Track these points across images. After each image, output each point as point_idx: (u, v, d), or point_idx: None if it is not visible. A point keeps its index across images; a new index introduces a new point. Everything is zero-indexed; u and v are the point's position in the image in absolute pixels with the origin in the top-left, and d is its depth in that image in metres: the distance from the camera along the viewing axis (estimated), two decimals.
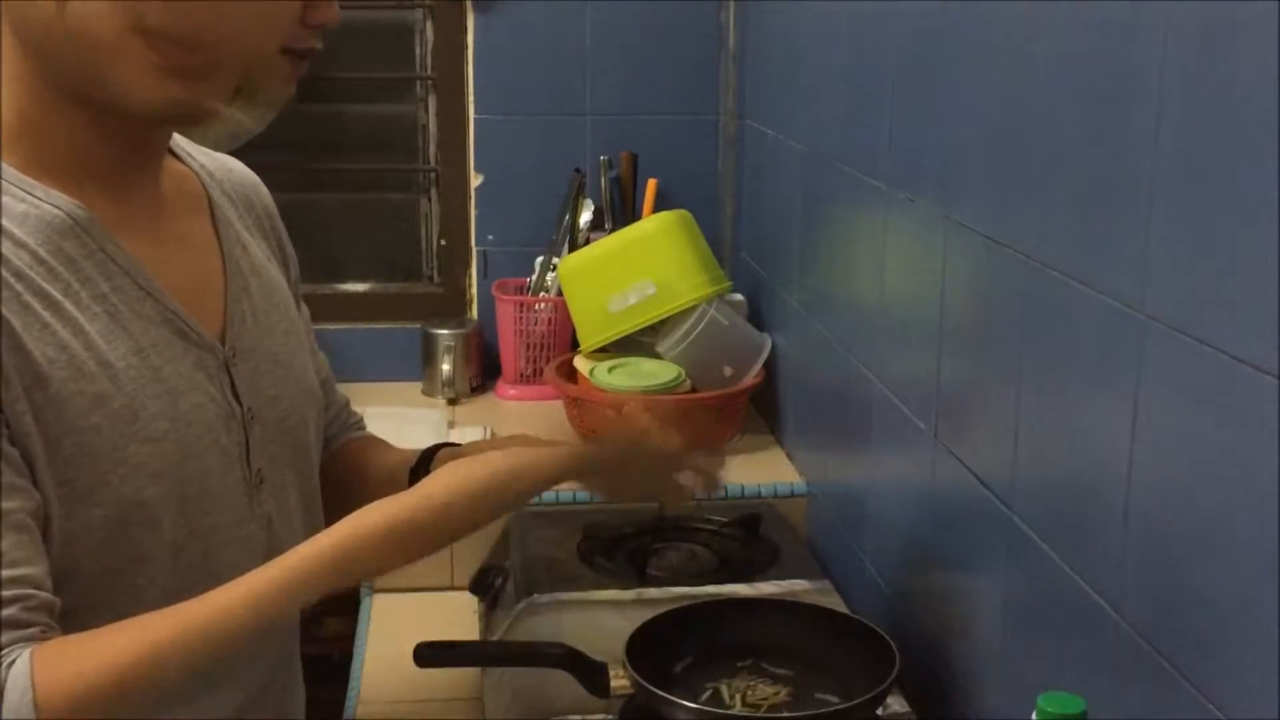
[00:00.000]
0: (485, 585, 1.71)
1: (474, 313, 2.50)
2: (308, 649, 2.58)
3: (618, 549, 1.74)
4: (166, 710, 0.90)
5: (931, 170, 1.41)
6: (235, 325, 1.05)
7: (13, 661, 0.83)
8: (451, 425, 2.23)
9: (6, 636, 0.84)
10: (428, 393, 2.40)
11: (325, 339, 2.46)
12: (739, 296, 2.28)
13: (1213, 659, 0.89)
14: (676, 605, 1.45)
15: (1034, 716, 0.98)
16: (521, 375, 2.37)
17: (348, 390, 2.41)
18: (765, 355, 2.15)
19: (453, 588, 1.81)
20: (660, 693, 1.28)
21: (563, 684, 1.39)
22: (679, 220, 2.22)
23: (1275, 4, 0.80)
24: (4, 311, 0.87)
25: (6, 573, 0.85)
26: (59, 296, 0.91)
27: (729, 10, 2.37)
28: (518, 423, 2.25)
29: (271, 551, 1.00)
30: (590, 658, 1.34)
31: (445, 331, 2.37)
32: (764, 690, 1.35)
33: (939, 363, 1.39)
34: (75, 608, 0.91)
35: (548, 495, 1.91)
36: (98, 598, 0.92)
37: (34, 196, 0.93)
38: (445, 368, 2.35)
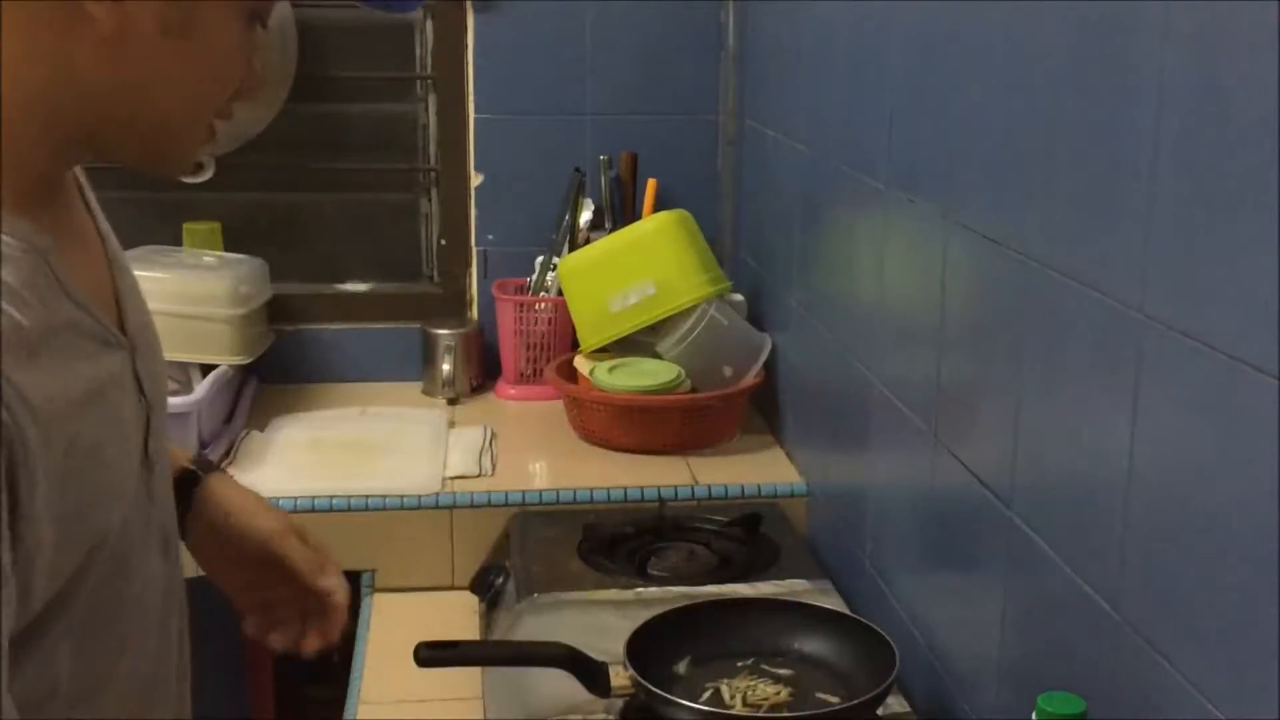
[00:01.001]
0: (485, 585, 1.72)
1: (474, 313, 2.50)
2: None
3: (618, 549, 1.74)
4: None
5: (931, 170, 1.41)
6: (128, 316, 0.98)
7: None
8: (451, 425, 2.23)
9: None
10: (428, 393, 2.40)
11: (325, 339, 2.48)
12: (739, 296, 2.28)
13: (1213, 659, 0.89)
14: (676, 605, 1.45)
15: (1034, 716, 0.98)
16: (521, 375, 2.37)
17: (348, 390, 2.44)
18: (765, 355, 2.15)
19: (453, 588, 1.82)
20: (660, 692, 1.28)
21: (563, 684, 1.39)
22: (679, 220, 2.22)
23: (1275, 4, 0.80)
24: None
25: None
26: (36, 339, 0.81)
27: (729, 10, 2.37)
28: (518, 422, 2.26)
29: (166, 533, 1.00)
30: (591, 657, 1.34)
31: (445, 331, 2.37)
32: (764, 690, 1.35)
33: (939, 363, 1.39)
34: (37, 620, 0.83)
35: (548, 495, 1.93)
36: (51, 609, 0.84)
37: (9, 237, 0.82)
38: (445, 368, 2.35)
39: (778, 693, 1.35)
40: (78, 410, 0.83)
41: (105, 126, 0.87)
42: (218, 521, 1.14)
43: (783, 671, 1.39)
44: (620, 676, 1.33)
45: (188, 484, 1.13)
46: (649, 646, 1.35)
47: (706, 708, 1.30)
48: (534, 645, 1.41)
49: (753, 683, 1.37)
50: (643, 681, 1.29)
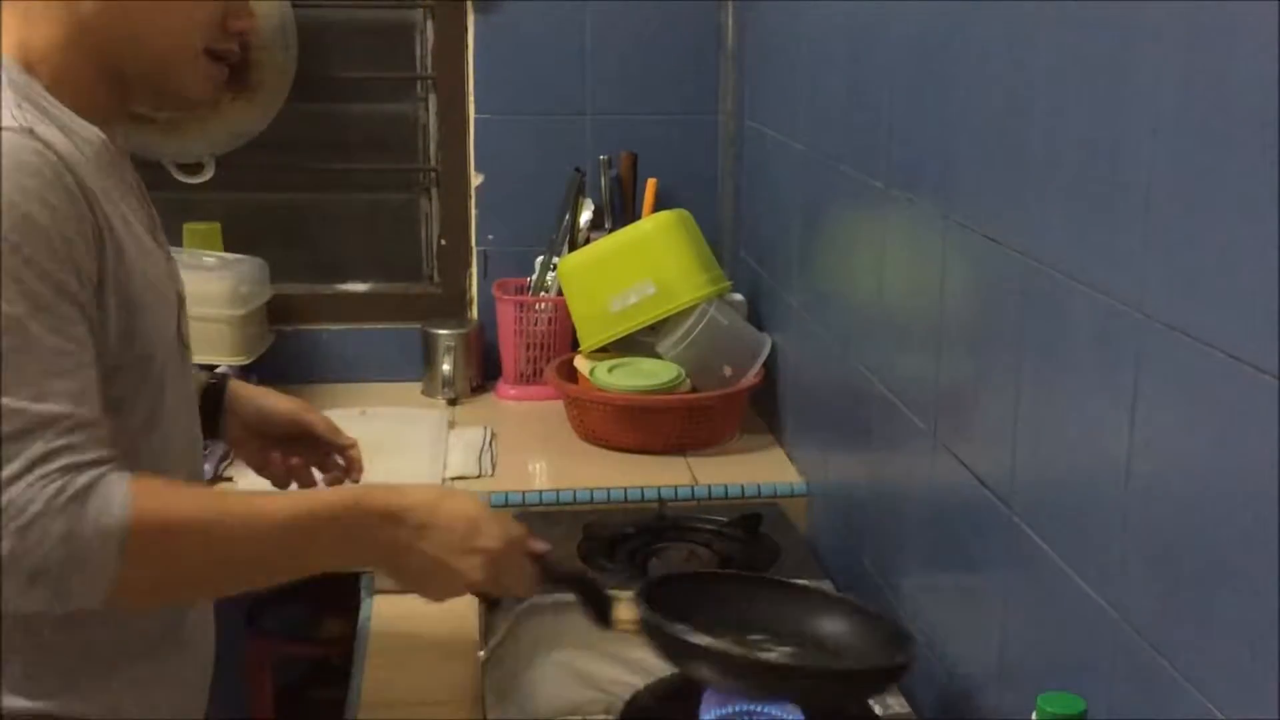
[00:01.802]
0: (492, 600, 1.71)
1: (474, 313, 2.50)
2: (308, 649, 2.59)
3: (618, 549, 1.74)
4: (210, 579, 1.11)
5: (931, 170, 1.41)
6: (158, 232, 1.25)
7: (101, 474, 0.99)
8: (452, 425, 2.23)
9: (97, 454, 1.00)
10: (428, 393, 2.40)
11: (325, 339, 2.48)
12: (739, 296, 2.28)
13: (1213, 659, 0.89)
14: (694, 570, 1.41)
15: (1034, 716, 0.98)
16: (521, 375, 2.37)
17: (348, 390, 2.44)
18: (765, 355, 2.15)
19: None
20: (670, 625, 1.24)
21: (563, 684, 1.39)
22: (679, 220, 2.22)
23: (1275, 4, 0.80)
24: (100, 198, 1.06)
25: (83, 411, 1.01)
26: (113, 193, 1.11)
27: (729, 10, 2.37)
28: (518, 423, 2.26)
29: (191, 406, 1.29)
30: (599, 587, 1.31)
31: (445, 331, 2.37)
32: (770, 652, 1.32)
33: (939, 363, 1.39)
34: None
35: (548, 495, 1.93)
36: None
37: (75, 122, 1.10)
38: (445, 368, 2.35)
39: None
40: (130, 237, 1.10)
41: (124, 69, 1.13)
42: (248, 414, 1.44)
43: (791, 649, 1.36)
44: (625, 611, 1.29)
45: (217, 392, 1.42)
46: (662, 598, 1.30)
47: (709, 640, 1.23)
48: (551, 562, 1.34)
49: (764, 647, 1.33)
50: (654, 616, 1.25)
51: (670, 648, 1.26)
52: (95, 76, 1.13)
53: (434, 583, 1.19)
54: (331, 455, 1.47)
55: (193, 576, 1.08)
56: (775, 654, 1.33)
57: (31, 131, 1.01)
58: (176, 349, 1.20)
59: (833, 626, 1.39)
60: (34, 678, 1.11)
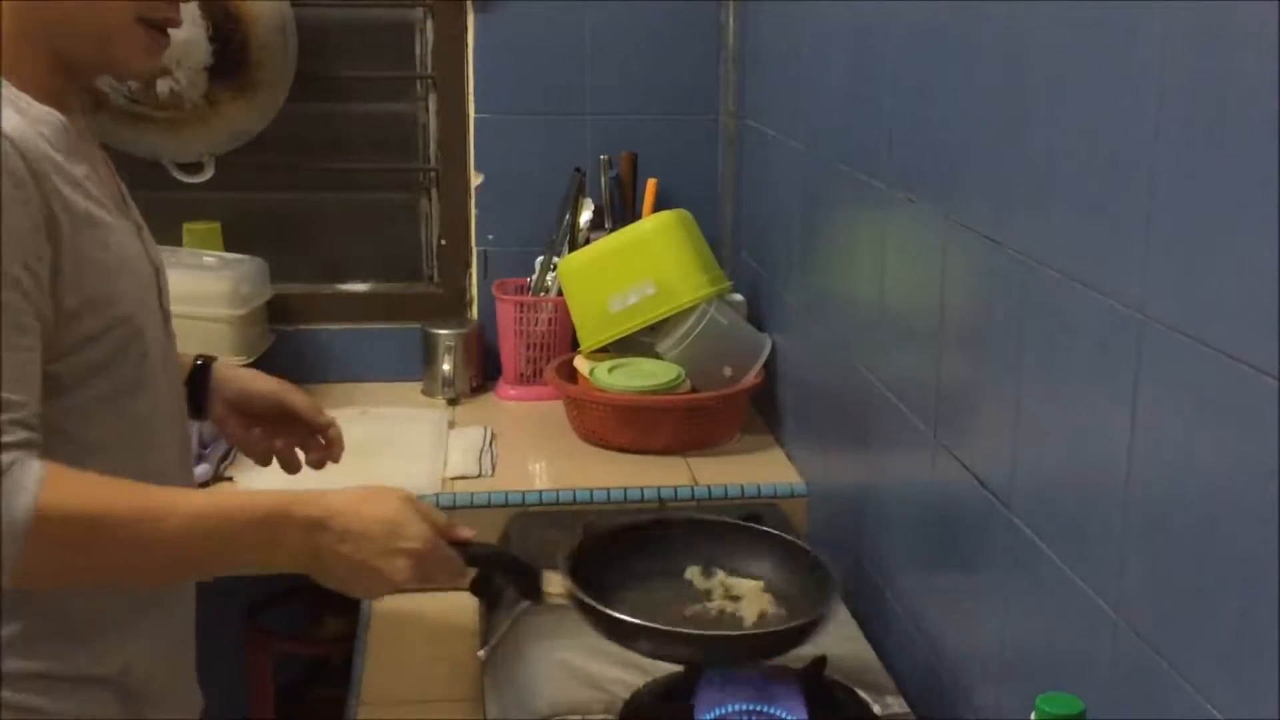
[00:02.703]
0: (485, 586, 1.71)
1: (474, 313, 2.50)
2: (308, 649, 2.59)
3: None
4: (118, 571, 1.12)
5: (931, 170, 1.41)
6: (131, 205, 1.29)
7: (16, 459, 1.01)
8: (452, 425, 2.23)
9: (20, 435, 1.03)
10: (428, 393, 2.40)
11: (325, 339, 2.48)
12: (739, 296, 2.28)
13: (1212, 659, 0.89)
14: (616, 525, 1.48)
15: (1034, 716, 0.98)
16: (521, 375, 2.37)
17: (348, 390, 2.44)
18: (765, 355, 2.15)
19: (453, 588, 1.81)
20: (591, 601, 1.30)
21: (563, 684, 1.39)
22: (679, 220, 2.22)
23: (1275, 4, 0.80)
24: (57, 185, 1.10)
25: (14, 395, 1.04)
26: (71, 170, 1.14)
27: (729, 10, 2.37)
28: (518, 423, 2.26)
29: (178, 376, 1.35)
30: (521, 559, 1.36)
31: (445, 331, 2.37)
32: (745, 584, 1.39)
33: (939, 363, 1.39)
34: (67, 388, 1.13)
35: (548, 495, 1.93)
36: (88, 391, 1.15)
37: (32, 106, 1.13)
38: (445, 368, 2.35)
39: (760, 587, 1.41)
40: (94, 209, 1.14)
41: (65, 49, 1.17)
42: (231, 393, 1.46)
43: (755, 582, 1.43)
44: (554, 584, 1.33)
45: (203, 373, 1.44)
46: (592, 562, 1.37)
47: (630, 616, 1.29)
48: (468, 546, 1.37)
49: (730, 578, 1.42)
50: (580, 594, 1.30)
51: (598, 623, 1.31)
52: (42, 60, 1.16)
53: (359, 585, 1.21)
54: (314, 435, 1.50)
55: (99, 569, 1.09)
56: (693, 616, 1.39)
57: None
58: (159, 316, 1.25)
59: (760, 565, 1.45)
60: (32, 640, 1.14)
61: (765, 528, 1.50)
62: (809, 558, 1.42)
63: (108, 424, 1.17)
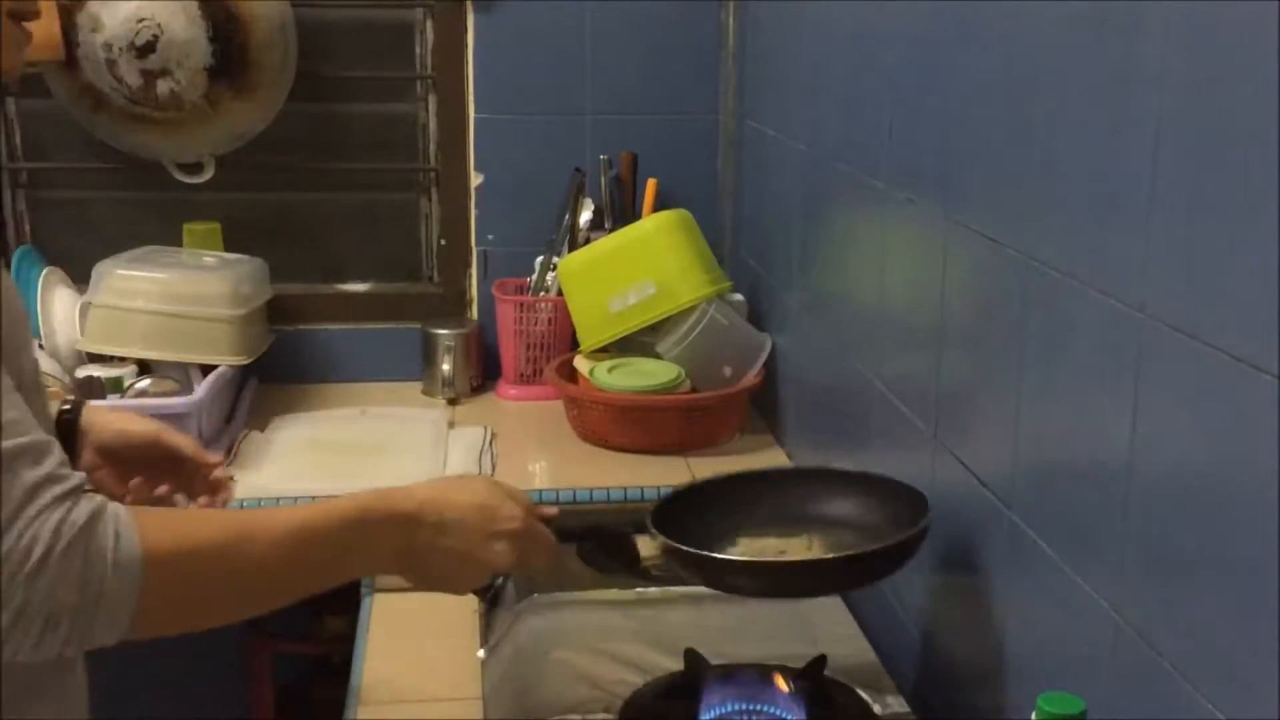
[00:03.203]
0: (485, 585, 1.71)
1: (474, 313, 2.50)
2: (308, 649, 2.58)
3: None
4: (228, 602, 1.05)
5: (931, 170, 1.41)
6: None
7: (96, 505, 0.93)
8: (452, 425, 2.23)
9: (80, 478, 0.94)
10: (428, 393, 2.40)
11: (325, 339, 2.48)
12: (739, 296, 2.28)
13: (1213, 659, 0.89)
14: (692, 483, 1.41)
15: (1034, 716, 0.98)
16: (521, 375, 2.37)
17: (348, 390, 2.44)
18: (765, 355, 2.15)
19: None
20: (693, 550, 1.24)
21: (563, 684, 1.39)
22: (679, 220, 2.22)
23: (1275, 4, 0.80)
24: None
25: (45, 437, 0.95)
26: None
27: (729, 10, 2.37)
28: (518, 423, 2.26)
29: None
30: (619, 532, 1.32)
31: (445, 331, 2.37)
32: (792, 545, 1.34)
33: (939, 363, 1.39)
34: None
35: (548, 495, 1.93)
36: None
37: None
38: (445, 368, 2.35)
39: (809, 545, 1.33)
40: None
41: None
42: (105, 438, 1.33)
43: (804, 537, 1.37)
44: (646, 546, 1.28)
45: (70, 420, 1.31)
46: (673, 521, 1.31)
47: (741, 557, 1.26)
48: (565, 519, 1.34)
49: (780, 540, 1.35)
50: (673, 543, 1.24)
51: (698, 569, 1.26)
52: None
53: (461, 577, 1.16)
54: (198, 478, 1.38)
55: (211, 601, 1.04)
56: (795, 552, 1.33)
57: None
58: (35, 374, 1.14)
59: (845, 507, 1.38)
60: None
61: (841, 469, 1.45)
62: (890, 486, 1.36)
63: None
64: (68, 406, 1.32)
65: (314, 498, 1.87)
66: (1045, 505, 1.15)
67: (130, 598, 0.93)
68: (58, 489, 0.92)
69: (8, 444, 0.90)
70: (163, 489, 1.36)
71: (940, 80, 1.37)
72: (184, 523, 1.03)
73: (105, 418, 1.36)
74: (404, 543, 1.11)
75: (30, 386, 1.05)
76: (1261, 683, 0.83)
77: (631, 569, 1.28)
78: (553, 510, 1.25)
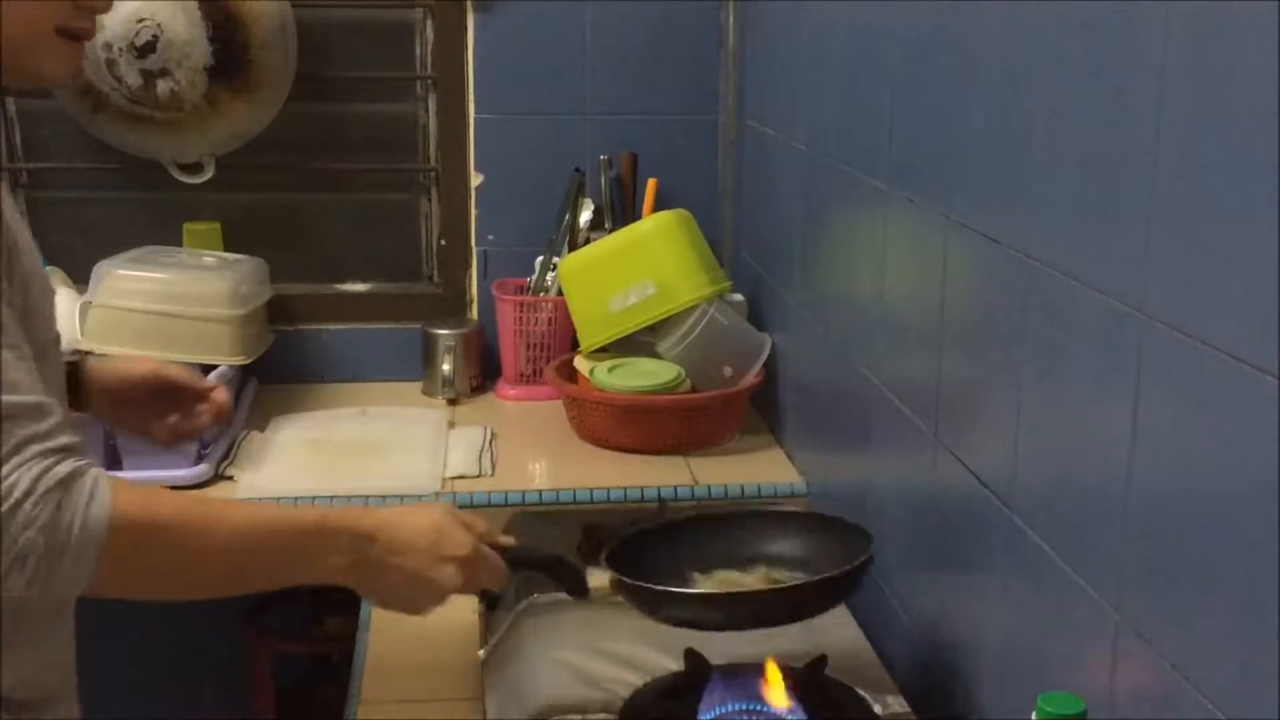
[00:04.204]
0: (488, 597, 1.71)
1: (474, 313, 2.50)
2: (308, 649, 2.58)
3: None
4: (179, 583, 1.12)
5: (932, 170, 1.41)
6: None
7: (78, 465, 1.00)
8: (452, 425, 2.23)
9: (73, 440, 1.02)
10: (428, 393, 2.40)
11: (325, 339, 2.48)
12: (739, 296, 2.28)
13: (1212, 659, 0.89)
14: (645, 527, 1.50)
15: (1034, 716, 0.98)
16: (521, 375, 2.37)
17: (348, 390, 2.44)
18: (765, 355, 2.15)
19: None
20: (641, 584, 1.32)
21: (563, 684, 1.39)
22: (679, 220, 2.22)
23: (1275, 4, 0.80)
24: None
25: (48, 399, 1.03)
26: None
27: (729, 10, 2.37)
28: (518, 422, 2.26)
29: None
30: (568, 560, 1.38)
31: (445, 331, 2.37)
32: (742, 579, 1.41)
33: (939, 363, 1.39)
34: None
35: (548, 495, 1.93)
36: None
37: None
38: (445, 368, 2.35)
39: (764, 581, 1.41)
40: (18, 224, 1.11)
41: None
42: (112, 383, 1.45)
43: (758, 574, 1.45)
44: (597, 579, 1.35)
45: (74, 371, 1.40)
46: (628, 560, 1.39)
47: (690, 590, 1.34)
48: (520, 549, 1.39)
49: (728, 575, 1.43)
50: (624, 579, 1.32)
51: (647, 602, 1.33)
52: None
53: (411, 597, 1.22)
54: (198, 404, 1.49)
55: (165, 576, 1.09)
56: (740, 584, 1.42)
57: None
58: (55, 336, 1.23)
59: (792, 545, 1.47)
60: None
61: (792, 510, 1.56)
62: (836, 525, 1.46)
63: None
64: (70, 360, 1.39)
65: (314, 498, 1.88)
66: (1045, 505, 1.15)
67: (91, 554, 1.00)
68: (48, 444, 1.00)
69: (9, 399, 0.99)
70: (173, 418, 1.48)
71: (940, 80, 1.37)
72: (155, 498, 1.07)
73: (105, 365, 1.48)
74: (357, 557, 1.17)
75: (52, 358, 1.16)
76: (1261, 683, 0.83)
77: (581, 596, 1.37)
78: (509, 540, 1.31)
